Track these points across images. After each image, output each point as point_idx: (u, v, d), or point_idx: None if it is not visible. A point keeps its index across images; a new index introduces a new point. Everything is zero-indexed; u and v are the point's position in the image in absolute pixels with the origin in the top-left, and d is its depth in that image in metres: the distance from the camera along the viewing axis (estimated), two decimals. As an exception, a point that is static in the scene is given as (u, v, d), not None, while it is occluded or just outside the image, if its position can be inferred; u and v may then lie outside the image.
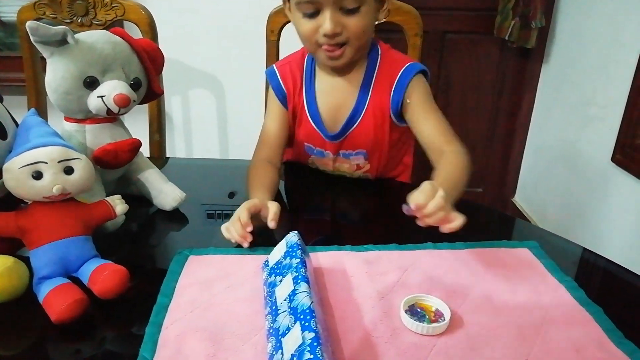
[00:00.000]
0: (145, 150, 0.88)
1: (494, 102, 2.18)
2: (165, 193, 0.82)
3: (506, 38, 1.90)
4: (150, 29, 1.20)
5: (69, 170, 0.61)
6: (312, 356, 0.46)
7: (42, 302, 0.56)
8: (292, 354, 0.48)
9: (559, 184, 1.90)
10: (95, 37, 0.75)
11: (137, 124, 1.08)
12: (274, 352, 0.50)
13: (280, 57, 1.20)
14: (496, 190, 2.33)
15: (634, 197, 1.45)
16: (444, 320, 0.56)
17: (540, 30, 1.87)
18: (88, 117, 0.77)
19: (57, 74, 0.72)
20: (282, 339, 0.51)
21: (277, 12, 1.19)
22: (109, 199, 0.69)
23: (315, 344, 0.47)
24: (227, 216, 0.84)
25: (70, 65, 0.72)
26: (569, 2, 1.87)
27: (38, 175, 0.59)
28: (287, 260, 0.63)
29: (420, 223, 0.63)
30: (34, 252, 0.60)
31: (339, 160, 0.99)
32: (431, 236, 0.74)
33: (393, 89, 0.90)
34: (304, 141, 0.99)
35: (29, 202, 0.63)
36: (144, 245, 0.76)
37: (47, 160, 0.60)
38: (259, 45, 1.25)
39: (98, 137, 0.77)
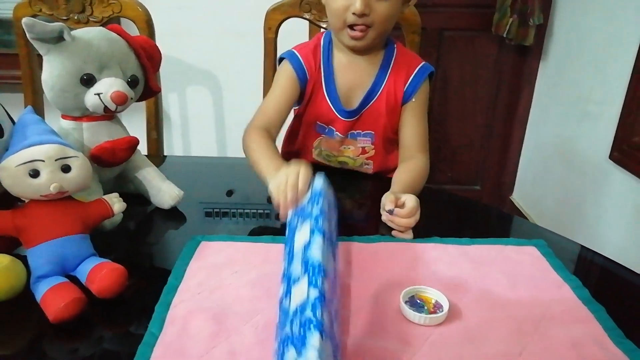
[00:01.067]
0: (142, 148, 0.87)
1: (492, 99, 2.18)
2: (163, 191, 0.82)
3: (504, 35, 1.90)
4: (148, 26, 1.20)
5: (66, 169, 0.61)
6: (312, 315, 0.45)
7: (40, 302, 0.56)
8: (296, 307, 0.47)
9: (557, 182, 1.91)
10: (92, 34, 0.74)
11: (135, 122, 1.07)
12: (284, 297, 0.51)
13: (279, 54, 1.19)
14: (494, 188, 2.34)
15: (631, 195, 1.45)
16: (442, 311, 0.57)
17: (538, 27, 1.87)
18: (85, 115, 0.76)
19: (53, 71, 0.72)
20: (292, 286, 0.51)
21: (275, 9, 1.19)
22: (106, 197, 0.68)
23: (317, 304, 0.46)
24: (225, 214, 0.84)
25: (66, 63, 0.71)
26: (567, 0, 1.87)
27: (35, 174, 0.59)
28: (309, 207, 0.62)
29: (393, 224, 0.76)
30: (32, 250, 0.60)
31: (346, 142, 1.01)
32: (438, 231, 0.75)
33: (409, 82, 0.95)
34: (316, 120, 1.00)
35: (26, 201, 0.63)
36: (142, 243, 0.76)
37: (44, 158, 0.59)
38: (257, 43, 1.24)
39: (95, 134, 0.77)
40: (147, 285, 0.62)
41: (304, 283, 0.50)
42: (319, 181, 0.65)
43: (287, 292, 0.51)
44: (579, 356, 0.52)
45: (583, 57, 1.73)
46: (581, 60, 1.75)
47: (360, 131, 0.99)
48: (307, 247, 0.55)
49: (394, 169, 1.04)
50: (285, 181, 0.67)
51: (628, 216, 1.47)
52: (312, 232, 0.56)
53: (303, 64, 0.96)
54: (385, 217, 0.78)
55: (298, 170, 0.68)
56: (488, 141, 2.26)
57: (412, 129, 0.96)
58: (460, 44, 2.07)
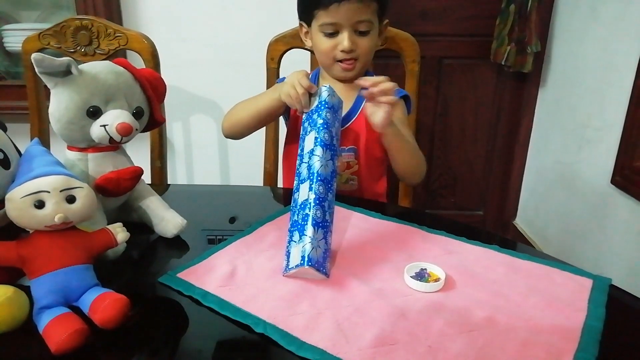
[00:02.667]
0: (147, 176, 0.88)
1: (492, 125, 2.20)
2: (167, 220, 0.82)
3: (503, 63, 1.93)
4: (153, 57, 1.22)
5: (71, 199, 0.62)
6: (309, 212, 0.64)
7: (42, 333, 0.56)
8: (301, 202, 0.66)
9: (560, 207, 1.90)
10: (99, 68, 0.76)
11: (139, 151, 1.09)
12: (294, 191, 0.69)
13: (281, 84, 1.23)
14: (497, 213, 2.33)
15: (635, 219, 1.45)
16: (439, 281, 0.63)
17: (536, 54, 1.90)
18: (91, 146, 0.78)
19: (60, 104, 0.73)
20: (300, 184, 0.69)
21: (277, 40, 1.22)
22: (110, 227, 0.69)
23: (313, 204, 0.64)
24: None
25: (74, 96, 0.73)
26: (564, 28, 1.90)
27: (40, 205, 0.59)
28: (315, 116, 0.74)
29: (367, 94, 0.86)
30: (35, 281, 0.60)
31: None
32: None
33: None
34: None
35: (31, 231, 0.63)
36: (145, 273, 0.76)
37: (49, 189, 0.60)
38: (259, 73, 1.27)
39: (100, 165, 0.78)
40: (149, 315, 0.62)
41: (306, 185, 0.67)
42: (325, 92, 0.79)
43: (297, 189, 0.69)
44: (518, 353, 0.51)
45: (581, 83, 1.76)
46: (579, 87, 1.77)
47: (344, 147, 1.08)
48: (310, 154, 0.70)
49: (380, 195, 1.14)
50: (295, 92, 0.85)
51: (632, 241, 1.46)
52: (315, 142, 0.71)
53: None
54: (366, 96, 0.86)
55: (300, 80, 0.85)
56: (490, 167, 2.26)
57: None
58: (460, 72, 2.11)
